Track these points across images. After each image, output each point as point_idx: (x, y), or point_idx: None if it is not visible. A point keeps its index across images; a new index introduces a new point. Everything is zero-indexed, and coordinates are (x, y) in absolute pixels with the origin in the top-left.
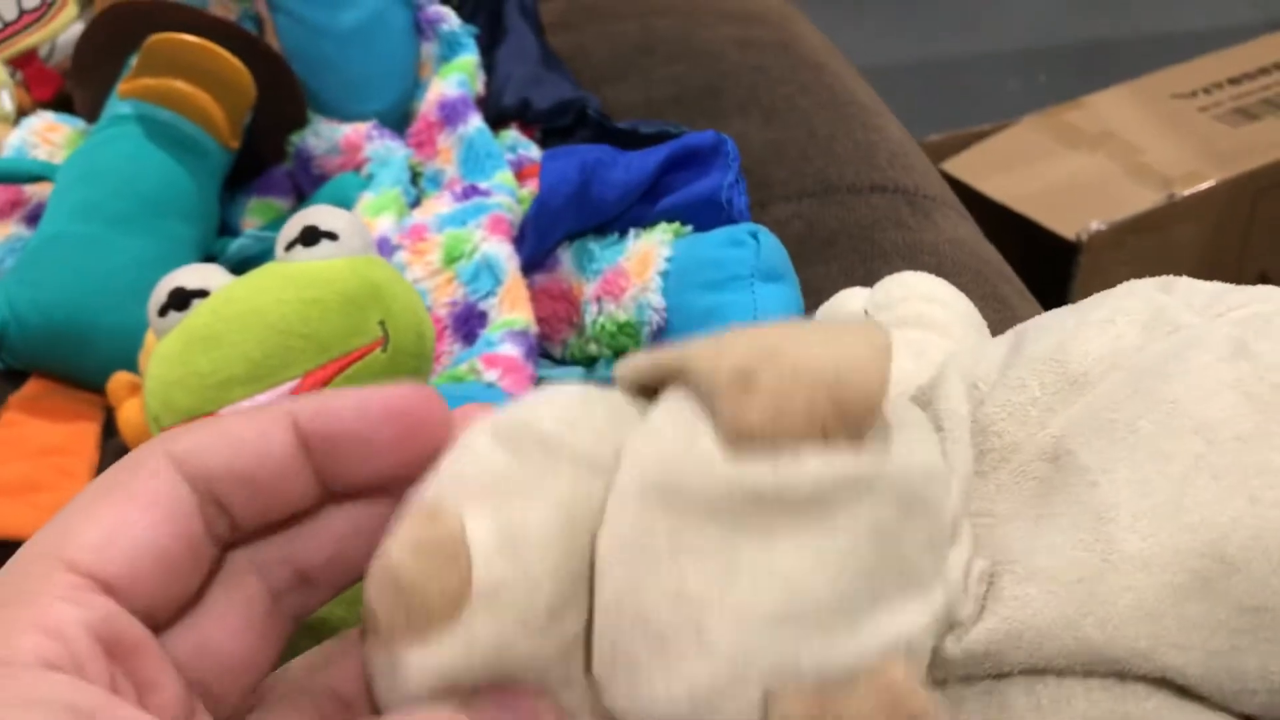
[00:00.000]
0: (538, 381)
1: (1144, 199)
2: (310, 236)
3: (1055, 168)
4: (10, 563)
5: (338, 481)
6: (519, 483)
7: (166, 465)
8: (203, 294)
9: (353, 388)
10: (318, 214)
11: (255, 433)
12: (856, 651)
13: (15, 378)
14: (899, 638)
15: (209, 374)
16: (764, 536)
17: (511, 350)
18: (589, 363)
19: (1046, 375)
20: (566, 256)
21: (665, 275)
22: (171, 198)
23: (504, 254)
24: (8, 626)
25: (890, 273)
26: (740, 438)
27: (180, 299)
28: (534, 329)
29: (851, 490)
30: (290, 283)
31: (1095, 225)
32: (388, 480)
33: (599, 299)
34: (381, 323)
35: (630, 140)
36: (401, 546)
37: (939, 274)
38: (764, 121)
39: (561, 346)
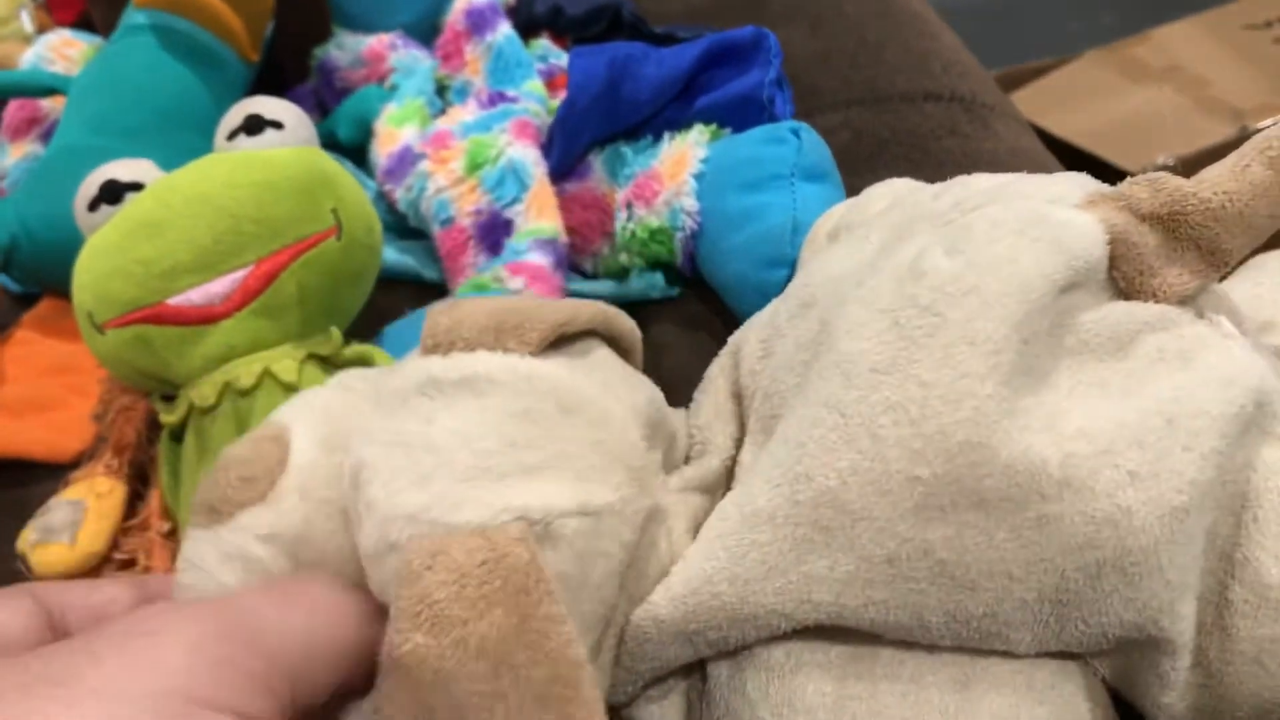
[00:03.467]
0: (566, 295)
1: (1215, 133)
2: (254, 125)
3: (1120, 103)
4: None
5: None
6: (337, 410)
7: None
8: (136, 187)
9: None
10: (261, 103)
11: None
12: (485, 511)
13: (29, 300)
14: (528, 507)
15: (153, 261)
16: (426, 413)
17: (539, 259)
18: (621, 274)
19: (792, 300)
20: (597, 162)
21: (700, 177)
22: (187, 109)
23: (530, 159)
24: None
25: None
26: (429, 344)
27: (113, 192)
28: (563, 238)
29: (507, 378)
30: (240, 167)
31: (1163, 160)
32: None
33: (630, 204)
34: (334, 210)
35: (667, 45)
36: (238, 442)
37: None
38: (810, 30)
39: (593, 259)
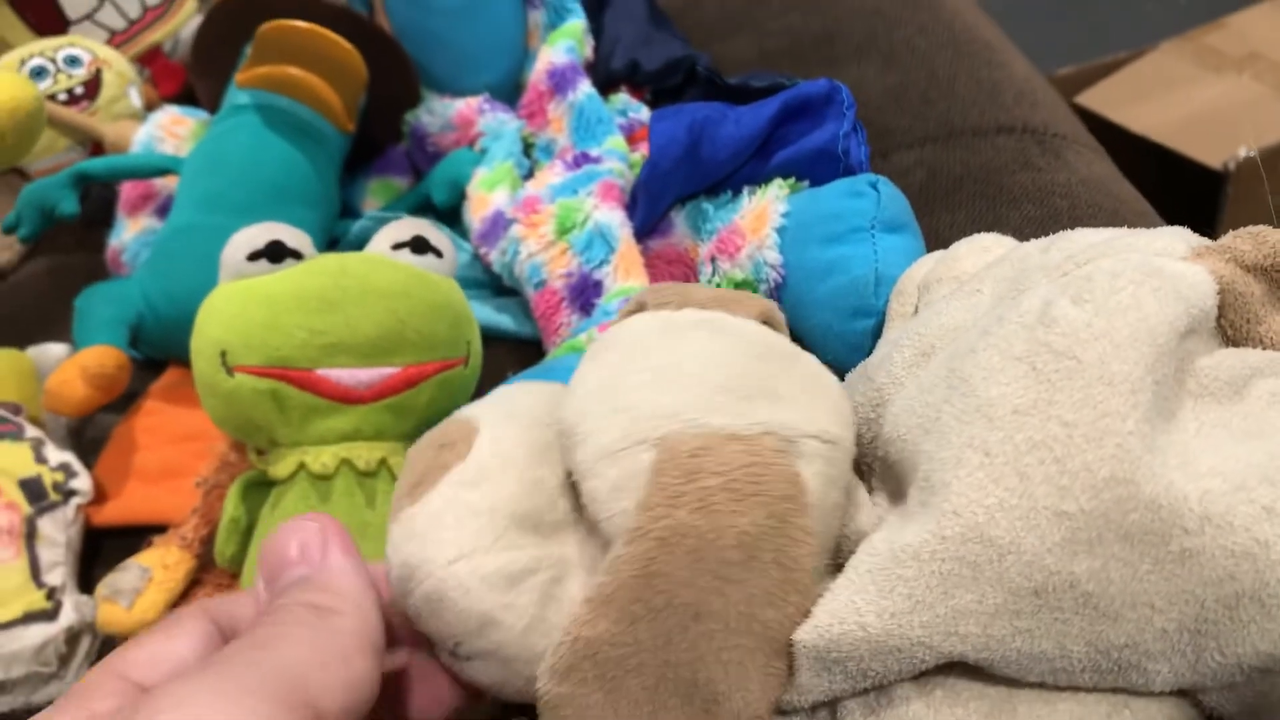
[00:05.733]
0: None
1: None
2: (421, 246)
3: (1198, 94)
4: None
5: None
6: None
7: None
8: (297, 255)
9: None
10: (429, 229)
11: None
12: (739, 420)
13: (155, 367)
14: (782, 424)
15: (321, 333)
16: (670, 347)
17: None
18: None
19: (908, 349)
20: (680, 219)
21: (782, 231)
22: (292, 184)
23: (615, 221)
24: None
25: (1019, 218)
26: (656, 303)
27: (277, 253)
28: None
29: (739, 326)
30: (415, 282)
31: (1244, 152)
32: None
33: (714, 259)
34: (468, 343)
35: (742, 95)
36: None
37: (1072, 217)
38: (882, 66)
39: None
